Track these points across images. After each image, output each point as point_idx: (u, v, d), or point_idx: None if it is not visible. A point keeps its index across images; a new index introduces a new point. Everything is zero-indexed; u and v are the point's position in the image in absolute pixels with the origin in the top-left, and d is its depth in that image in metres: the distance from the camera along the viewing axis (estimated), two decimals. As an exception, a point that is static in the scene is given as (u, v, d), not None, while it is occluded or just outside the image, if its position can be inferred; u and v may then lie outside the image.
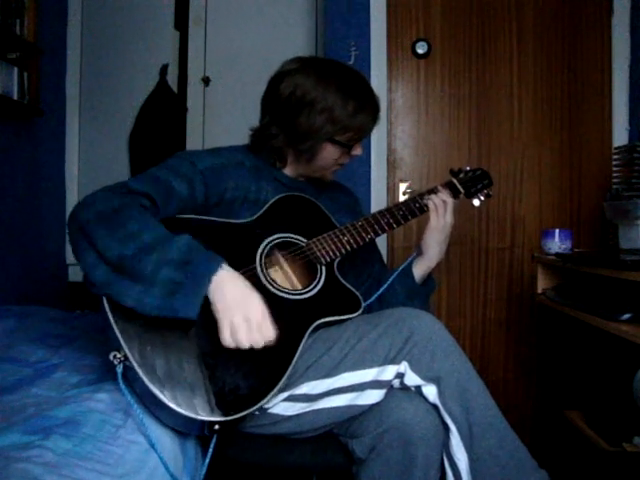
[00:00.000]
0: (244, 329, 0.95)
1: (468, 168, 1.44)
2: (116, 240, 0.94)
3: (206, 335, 1.01)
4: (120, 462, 0.85)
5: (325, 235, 1.22)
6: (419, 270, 1.33)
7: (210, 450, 0.99)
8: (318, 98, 1.18)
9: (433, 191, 1.33)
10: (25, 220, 2.22)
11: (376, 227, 1.26)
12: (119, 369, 0.94)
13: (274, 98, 1.23)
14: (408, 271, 1.32)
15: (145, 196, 1.05)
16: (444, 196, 1.31)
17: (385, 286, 1.30)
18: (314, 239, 1.21)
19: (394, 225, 1.28)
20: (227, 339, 0.96)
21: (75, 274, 2.53)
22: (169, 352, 0.97)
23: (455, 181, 1.39)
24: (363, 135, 1.26)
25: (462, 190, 1.38)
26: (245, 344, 0.96)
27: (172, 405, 0.92)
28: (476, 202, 1.42)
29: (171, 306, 0.93)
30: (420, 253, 1.33)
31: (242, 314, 0.95)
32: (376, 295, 1.29)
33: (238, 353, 1.00)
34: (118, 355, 0.94)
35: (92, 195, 1.03)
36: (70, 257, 2.54)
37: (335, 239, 1.22)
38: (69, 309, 2.14)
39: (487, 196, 1.44)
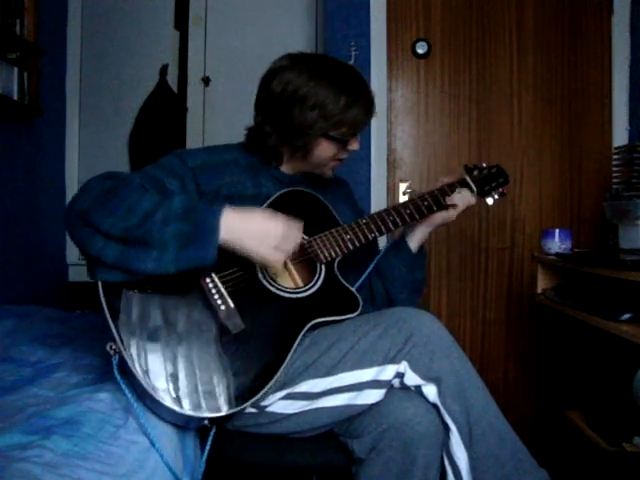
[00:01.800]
0: (275, 251, 1.02)
1: (484, 165, 1.40)
2: (118, 216, 0.96)
3: (200, 332, 1.01)
4: (120, 462, 0.85)
5: (327, 233, 1.21)
6: (414, 243, 1.34)
7: (207, 446, 1.00)
8: (309, 94, 1.18)
9: (443, 190, 1.31)
10: (25, 220, 2.22)
11: (381, 225, 1.25)
12: (115, 360, 0.95)
13: (266, 96, 1.23)
14: (403, 247, 1.34)
15: (139, 183, 1.07)
16: (469, 195, 1.31)
17: (369, 270, 1.32)
18: (316, 237, 1.21)
19: (400, 224, 1.27)
20: (273, 263, 1.04)
21: (75, 274, 2.53)
22: (162, 346, 0.98)
23: (468, 179, 1.35)
24: (358, 129, 1.25)
25: (475, 189, 1.34)
26: (280, 261, 1.05)
27: (160, 399, 0.93)
28: (490, 201, 1.39)
29: (187, 257, 0.95)
30: (410, 231, 1.34)
31: (266, 240, 1.01)
32: (360, 281, 1.30)
33: (230, 350, 1.00)
34: (114, 346, 0.95)
35: (84, 185, 1.04)
36: (70, 257, 2.54)
37: (337, 237, 1.21)
38: (69, 309, 2.14)
39: (501, 195, 1.40)
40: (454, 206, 1.29)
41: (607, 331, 1.39)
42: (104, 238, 0.96)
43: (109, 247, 0.96)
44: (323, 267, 1.20)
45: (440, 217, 1.30)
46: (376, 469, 1.05)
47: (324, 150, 1.24)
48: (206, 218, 0.97)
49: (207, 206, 1.00)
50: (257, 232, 1.00)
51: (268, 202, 1.20)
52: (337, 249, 1.21)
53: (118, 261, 0.96)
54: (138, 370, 0.94)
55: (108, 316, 0.97)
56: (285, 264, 1.19)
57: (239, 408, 0.98)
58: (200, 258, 0.96)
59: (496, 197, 1.39)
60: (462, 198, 1.30)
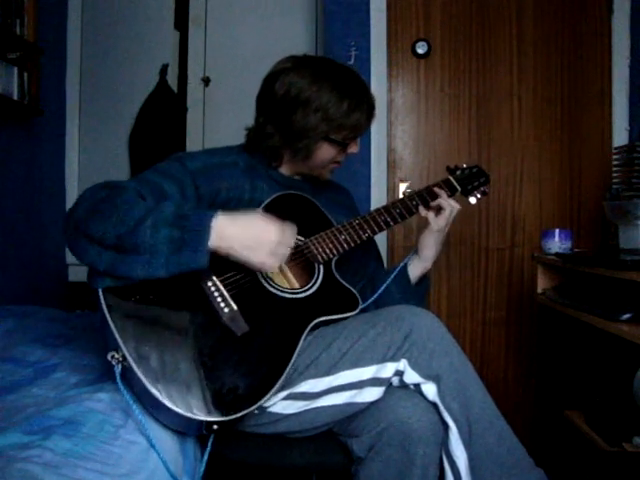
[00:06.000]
0: (270, 256, 1.01)
1: (465, 165, 1.44)
2: (111, 224, 0.96)
3: (205, 335, 1.01)
4: (120, 462, 0.85)
5: (322, 234, 1.22)
6: (415, 271, 1.32)
7: (208, 447, 0.99)
8: (313, 97, 1.18)
9: (430, 190, 1.32)
10: (25, 220, 2.22)
11: (373, 225, 1.26)
12: (117, 369, 0.94)
13: (269, 98, 1.23)
14: (404, 272, 1.32)
15: (134, 190, 1.06)
16: (453, 202, 1.30)
17: (380, 291, 1.28)
18: (312, 238, 1.21)
19: (391, 223, 1.28)
20: (269, 268, 1.04)
21: (75, 274, 2.53)
22: (168, 352, 0.97)
23: (452, 179, 1.38)
24: (359, 133, 1.26)
25: (459, 188, 1.38)
26: (276, 267, 1.04)
27: (171, 405, 0.92)
28: (472, 200, 1.42)
29: (178, 261, 0.95)
30: (416, 254, 1.33)
31: (261, 246, 1.00)
32: (372, 299, 1.27)
33: (236, 352, 1.00)
34: (116, 355, 0.94)
35: (81, 195, 1.04)
36: (70, 257, 2.54)
37: (332, 238, 1.22)
38: (69, 309, 2.14)
39: (483, 194, 1.43)
40: (441, 209, 1.28)
41: (607, 331, 1.39)
42: (98, 247, 0.96)
43: (102, 255, 0.95)
44: (321, 267, 1.20)
45: (435, 225, 1.28)
46: (375, 468, 1.05)
47: (324, 153, 1.24)
48: (196, 223, 0.96)
49: (197, 211, 0.99)
50: (251, 238, 0.99)
51: (262, 206, 1.20)
52: (333, 249, 1.21)
53: (109, 268, 0.96)
54: (144, 378, 0.93)
55: (112, 324, 0.96)
56: (280, 266, 1.19)
57: (248, 410, 0.97)
58: (191, 262, 0.95)
59: (479, 196, 1.42)
60: (448, 203, 1.29)
